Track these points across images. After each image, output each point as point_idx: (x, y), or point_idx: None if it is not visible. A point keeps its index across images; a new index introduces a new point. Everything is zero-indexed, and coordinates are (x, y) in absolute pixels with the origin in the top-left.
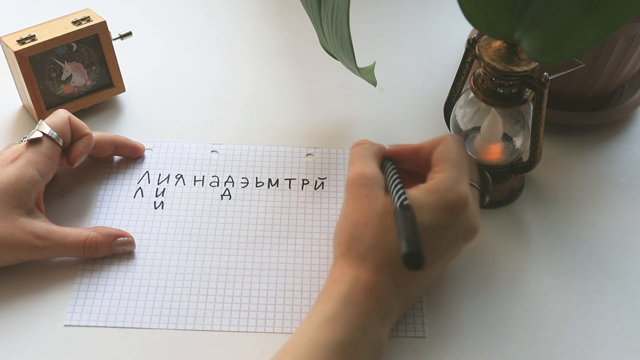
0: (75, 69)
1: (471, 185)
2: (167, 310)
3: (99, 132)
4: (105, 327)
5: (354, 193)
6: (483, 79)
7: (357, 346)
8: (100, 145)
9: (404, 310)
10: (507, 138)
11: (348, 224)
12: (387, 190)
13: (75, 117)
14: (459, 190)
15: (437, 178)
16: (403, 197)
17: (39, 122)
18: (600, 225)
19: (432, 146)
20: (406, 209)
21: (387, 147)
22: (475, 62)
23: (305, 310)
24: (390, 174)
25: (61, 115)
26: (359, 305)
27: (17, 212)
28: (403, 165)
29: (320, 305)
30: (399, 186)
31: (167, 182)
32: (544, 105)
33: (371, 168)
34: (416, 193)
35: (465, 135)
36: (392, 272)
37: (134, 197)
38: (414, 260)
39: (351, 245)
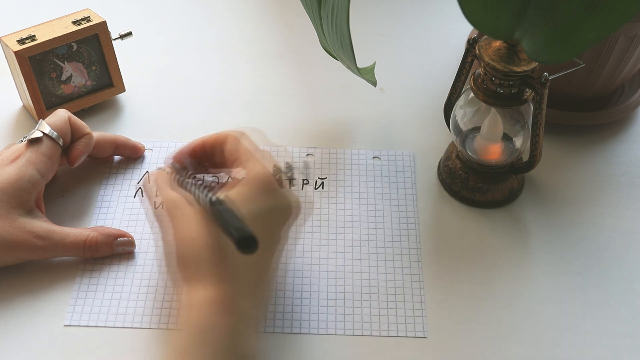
0: (75, 69)
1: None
2: (167, 310)
3: (99, 132)
4: (105, 327)
5: (167, 219)
6: (483, 79)
7: None
8: (101, 145)
9: (262, 310)
10: (507, 138)
11: (178, 249)
12: (197, 201)
13: (75, 117)
14: (265, 173)
15: (247, 167)
16: (210, 194)
17: (39, 121)
18: (600, 225)
19: (217, 142)
20: (217, 203)
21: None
22: (475, 62)
23: (305, 310)
24: (188, 183)
25: (61, 115)
26: (213, 326)
27: (17, 211)
28: (197, 167)
29: (175, 341)
30: (200, 188)
31: None
32: (544, 105)
33: (170, 192)
34: (237, 189)
35: (465, 135)
36: (236, 276)
37: (134, 197)
38: (248, 243)
39: (184, 267)
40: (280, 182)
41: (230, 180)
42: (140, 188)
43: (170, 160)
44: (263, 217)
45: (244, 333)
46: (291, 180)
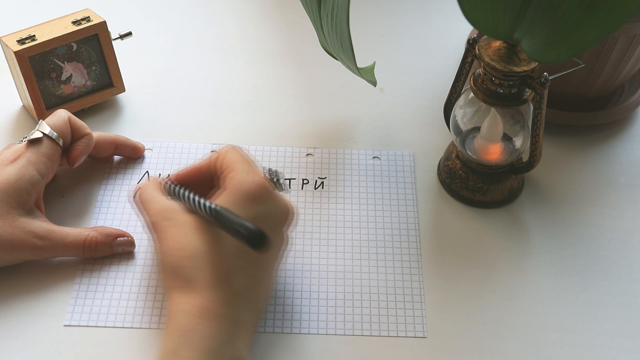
0: (75, 69)
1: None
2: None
3: (99, 132)
4: (105, 327)
5: (158, 230)
6: (483, 79)
7: None
8: (100, 145)
9: (258, 314)
10: (507, 138)
11: (164, 258)
12: (190, 210)
13: (75, 117)
14: (254, 179)
15: (229, 177)
16: (207, 203)
17: (39, 122)
18: (600, 225)
19: (213, 161)
20: (216, 210)
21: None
22: (475, 62)
23: (305, 310)
24: (184, 194)
25: (61, 115)
26: (201, 330)
27: (17, 212)
28: (194, 189)
29: (162, 345)
30: (197, 198)
31: None
32: (544, 105)
33: (162, 201)
34: (220, 199)
35: (465, 135)
36: (223, 282)
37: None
38: (259, 239)
39: (174, 275)
40: (271, 187)
41: None
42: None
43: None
44: (255, 223)
45: (234, 337)
46: (278, 184)
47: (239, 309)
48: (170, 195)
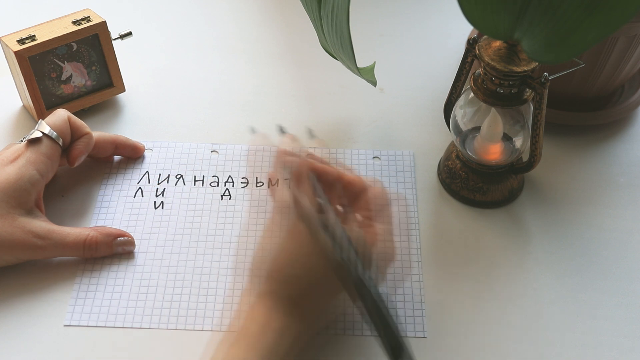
0: (75, 69)
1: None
2: (167, 310)
3: (99, 132)
4: (105, 327)
5: (293, 227)
6: (483, 79)
7: None
8: (100, 145)
9: (311, 335)
10: (507, 138)
11: (284, 261)
12: (323, 226)
13: (75, 117)
14: (389, 249)
15: (373, 228)
16: (360, 264)
17: (39, 121)
18: (600, 225)
19: (362, 187)
20: (368, 281)
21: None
22: (475, 62)
23: None
24: (332, 224)
25: (61, 115)
26: (286, 354)
27: (17, 211)
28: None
29: (242, 351)
30: (354, 251)
31: (167, 182)
32: (544, 105)
33: (307, 199)
34: (358, 232)
35: (465, 135)
36: (315, 317)
37: (134, 197)
38: (400, 353)
39: (284, 285)
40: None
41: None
42: (140, 188)
43: (310, 170)
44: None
45: (288, 346)
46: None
47: (303, 334)
48: (322, 227)
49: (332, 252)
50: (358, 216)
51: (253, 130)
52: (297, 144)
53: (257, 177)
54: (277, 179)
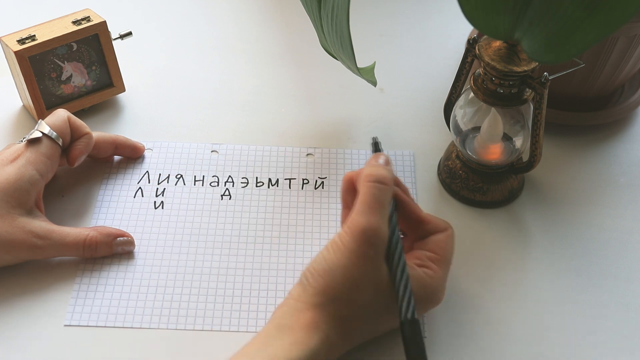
0: (75, 69)
1: None
2: (167, 310)
3: (98, 132)
4: (105, 327)
5: (362, 248)
6: (483, 79)
7: None
8: (100, 145)
9: (342, 352)
10: (507, 138)
11: (342, 278)
12: (387, 252)
13: (75, 117)
14: (440, 295)
15: (435, 272)
16: (412, 305)
17: (39, 121)
18: (600, 225)
19: (437, 227)
20: (415, 323)
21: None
22: (475, 62)
23: None
24: (399, 256)
25: (61, 115)
26: (303, 338)
27: (16, 211)
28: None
29: (286, 345)
30: (409, 290)
31: (167, 182)
32: (544, 105)
33: (385, 226)
34: (419, 272)
35: (465, 135)
36: (360, 337)
37: (134, 197)
38: None
39: (336, 302)
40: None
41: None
42: (140, 188)
43: (393, 189)
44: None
45: (326, 356)
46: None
47: (344, 347)
48: (390, 255)
49: (393, 287)
50: (420, 254)
51: (377, 145)
52: (389, 167)
53: (257, 177)
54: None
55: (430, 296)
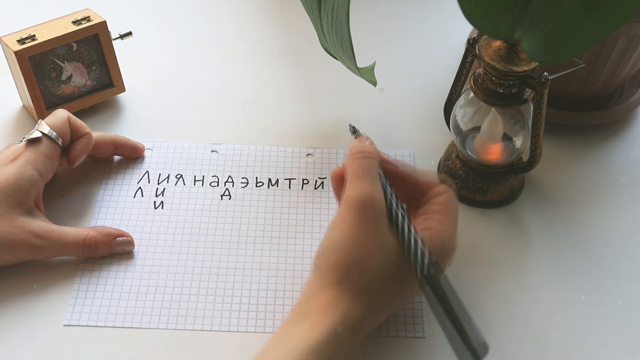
0: (75, 69)
1: None
2: (167, 310)
3: (98, 132)
4: (104, 327)
5: (361, 216)
6: (483, 79)
7: None
8: (100, 145)
9: (373, 326)
10: (507, 138)
11: (350, 250)
12: (389, 219)
13: (75, 117)
14: (452, 245)
15: (441, 228)
16: (427, 258)
17: (39, 121)
18: (600, 225)
19: (429, 186)
20: (432, 278)
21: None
22: (475, 62)
23: None
24: (400, 216)
25: (60, 115)
26: (346, 344)
27: (16, 211)
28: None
29: (305, 331)
30: (422, 247)
31: (167, 182)
32: (544, 105)
33: (379, 191)
34: (425, 228)
35: (465, 135)
36: (380, 307)
37: (134, 197)
38: (483, 351)
39: (350, 273)
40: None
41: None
42: (140, 188)
43: (378, 157)
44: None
45: (350, 338)
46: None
47: (368, 320)
48: (393, 219)
49: (403, 247)
50: (423, 218)
51: (354, 130)
52: (371, 143)
53: (256, 177)
54: (338, 177)
55: (441, 252)
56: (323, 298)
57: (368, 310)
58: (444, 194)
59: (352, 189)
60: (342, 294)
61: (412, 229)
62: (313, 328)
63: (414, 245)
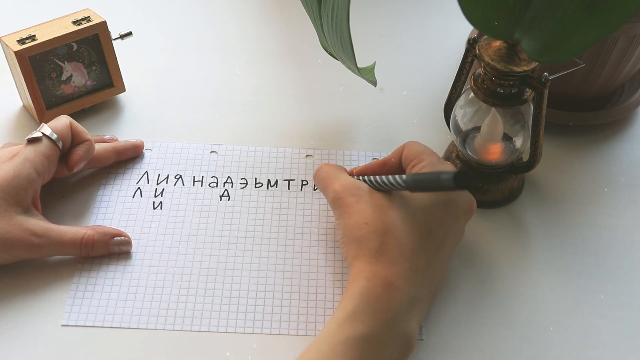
0: (75, 69)
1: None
2: (165, 310)
3: (97, 138)
4: (102, 327)
5: (344, 205)
6: (483, 79)
7: (383, 340)
8: (102, 155)
9: (432, 297)
10: (507, 138)
11: (349, 232)
12: (376, 189)
13: (77, 123)
14: (445, 167)
15: (420, 166)
16: (401, 176)
17: (41, 124)
18: (600, 225)
19: (398, 154)
20: (412, 176)
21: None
22: (475, 62)
23: (304, 311)
24: (372, 178)
25: (63, 119)
26: (380, 299)
27: (14, 209)
28: None
29: (342, 305)
30: (388, 176)
31: (166, 183)
32: (544, 105)
33: (348, 178)
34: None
35: (465, 135)
36: (407, 259)
37: (133, 197)
38: (464, 177)
39: (360, 246)
40: None
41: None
42: (139, 188)
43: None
44: (438, 210)
45: (409, 313)
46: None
47: (418, 287)
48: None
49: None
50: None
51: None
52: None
53: (256, 178)
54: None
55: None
56: (351, 274)
57: (392, 264)
58: (405, 147)
59: (327, 194)
60: (363, 263)
61: (382, 177)
62: (347, 298)
63: (384, 181)
